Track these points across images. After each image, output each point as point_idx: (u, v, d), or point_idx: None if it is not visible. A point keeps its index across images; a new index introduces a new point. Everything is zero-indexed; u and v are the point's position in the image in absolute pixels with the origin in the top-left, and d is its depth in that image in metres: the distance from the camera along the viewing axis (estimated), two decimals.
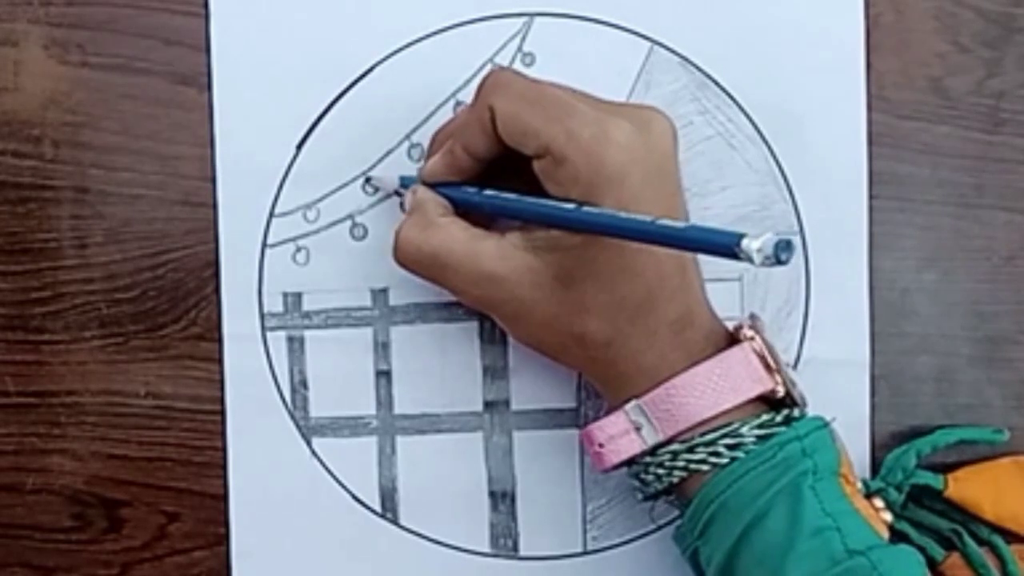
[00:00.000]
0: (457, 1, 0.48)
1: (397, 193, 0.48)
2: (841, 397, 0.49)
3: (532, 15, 0.49)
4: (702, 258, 0.48)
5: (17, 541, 0.49)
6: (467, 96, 0.48)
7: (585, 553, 0.50)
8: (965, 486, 0.48)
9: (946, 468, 0.49)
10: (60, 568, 0.49)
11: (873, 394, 0.50)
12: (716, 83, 0.49)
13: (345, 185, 0.49)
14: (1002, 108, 0.50)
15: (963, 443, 0.49)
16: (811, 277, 0.49)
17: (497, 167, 0.45)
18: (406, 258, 0.45)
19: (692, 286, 0.44)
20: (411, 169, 0.48)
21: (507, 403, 0.49)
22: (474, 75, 0.48)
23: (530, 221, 0.43)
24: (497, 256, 0.43)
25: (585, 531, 0.50)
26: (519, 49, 0.49)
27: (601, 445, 0.44)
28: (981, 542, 0.48)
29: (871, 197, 0.49)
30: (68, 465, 0.49)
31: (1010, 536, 0.48)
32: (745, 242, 0.35)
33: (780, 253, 0.34)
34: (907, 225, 0.50)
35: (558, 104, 0.42)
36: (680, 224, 0.38)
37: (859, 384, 0.50)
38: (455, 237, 0.44)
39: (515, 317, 0.44)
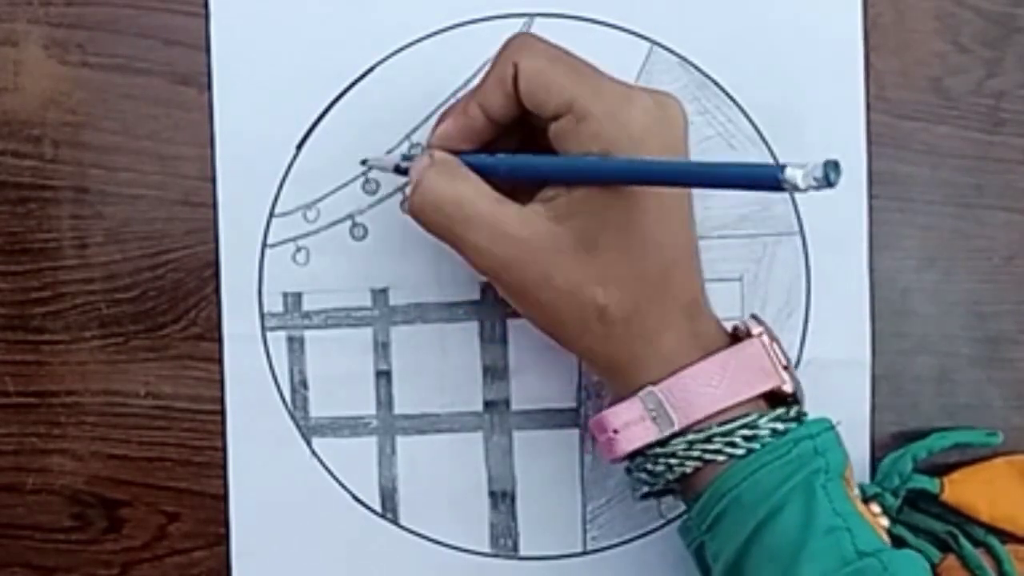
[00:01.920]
0: (458, 1, 0.48)
1: (397, 170, 0.46)
2: (841, 397, 0.49)
3: (532, 15, 0.49)
4: (700, 259, 0.48)
5: (17, 541, 0.49)
6: None
7: (585, 553, 0.50)
8: (961, 488, 0.48)
9: (942, 469, 0.49)
10: (60, 568, 0.49)
11: (873, 394, 0.50)
12: (716, 83, 0.49)
13: (345, 185, 0.49)
14: (1002, 108, 0.50)
15: (959, 446, 0.49)
16: (811, 277, 0.49)
17: (501, 145, 0.44)
18: (425, 204, 0.43)
19: (698, 276, 0.44)
20: None
21: (507, 403, 0.49)
22: (474, 75, 0.48)
23: (551, 178, 0.42)
24: (521, 219, 0.42)
25: (585, 531, 0.50)
26: None
27: (616, 431, 0.43)
28: (977, 543, 0.48)
29: (871, 197, 0.49)
30: (68, 465, 0.49)
31: (1005, 536, 0.48)
32: (789, 171, 0.34)
33: (830, 174, 0.33)
34: (907, 225, 0.50)
35: (582, 65, 0.42)
36: (720, 163, 0.38)
37: (859, 384, 0.50)
38: (481, 191, 0.43)
39: (535, 285, 0.42)
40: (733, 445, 0.42)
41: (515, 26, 0.48)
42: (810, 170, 0.34)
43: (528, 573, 0.50)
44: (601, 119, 0.41)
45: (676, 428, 0.42)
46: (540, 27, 0.48)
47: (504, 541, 0.49)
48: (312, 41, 0.48)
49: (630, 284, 0.42)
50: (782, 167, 0.34)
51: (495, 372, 0.49)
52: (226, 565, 0.49)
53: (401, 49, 0.48)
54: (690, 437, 0.42)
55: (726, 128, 0.49)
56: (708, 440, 0.42)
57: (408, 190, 0.44)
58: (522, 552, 0.50)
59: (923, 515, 0.48)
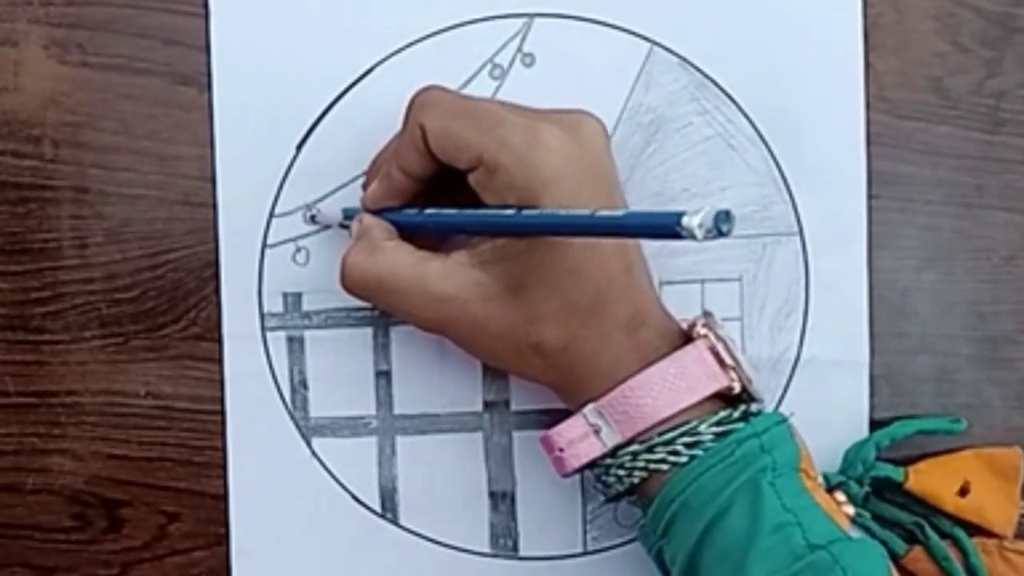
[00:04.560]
0: (457, 1, 0.48)
1: (342, 225, 0.48)
2: (841, 397, 0.49)
3: (532, 15, 0.49)
4: (700, 259, 0.48)
5: (17, 541, 0.49)
6: None
7: (585, 553, 0.50)
8: (926, 478, 0.48)
9: (913, 462, 0.49)
10: (60, 568, 0.49)
11: (873, 394, 0.50)
12: (715, 84, 0.49)
13: (345, 185, 0.49)
14: (1002, 108, 0.50)
15: (921, 433, 0.49)
16: (811, 277, 0.49)
17: (437, 187, 0.45)
18: (353, 284, 0.45)
19: (641, 285, 0.44)
20: None
21: (507, 403, 0.49)
22: (474, 75, 0.48)
23: (473, 232, 0.44)
24: (444, 275, 0.43)
25: (585, 531, 0.50)
26: (519, 49, 0.49)
27: (561, 450, 0.44)
28: (943, 535, 0.47)
29: (871, 197, 0.49)
30: (68, 465, 0.49)
31: (971, 528, 0.48)
32: (685, 219, 0.34)
33: (720, 224, 0.34)
34: (907, 225, 0.50)
35: (487, 115, 0.43)
36: (619, 212, 0.38)
37: (859, 384, 0.50)
38: (401, 260, 0.44)
39: (470, 335, 0.44)
40: (676, 453, 0.42)
41: (515, 26, 0.48)
42: (704, 218, 0.34)
43: (528, 573, 0.50)
44: (511, 169, 0.42)
45: (619, 441, 0.43)
46: (540, 27, 0.49)
47: (504, 541, 0.49)
48: (312, 41, 0.48)
49: (561, 317, 0.43)
50: (679, 216, 0.34)
51: (495, 372, 0.49)
52: (226, 565, 0.49)
53: (401, 49, 0.49)
54: (634, 448, 0.43)
55: (726, 128, 0.49)
56: (650, 451, 0.42)
57: (337, 271, 0.45)
58: (522, 552, 0.50)
59: (889, 505, 0.48)
